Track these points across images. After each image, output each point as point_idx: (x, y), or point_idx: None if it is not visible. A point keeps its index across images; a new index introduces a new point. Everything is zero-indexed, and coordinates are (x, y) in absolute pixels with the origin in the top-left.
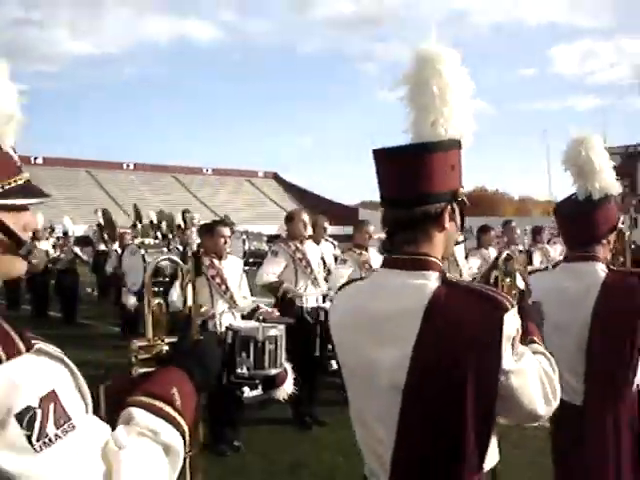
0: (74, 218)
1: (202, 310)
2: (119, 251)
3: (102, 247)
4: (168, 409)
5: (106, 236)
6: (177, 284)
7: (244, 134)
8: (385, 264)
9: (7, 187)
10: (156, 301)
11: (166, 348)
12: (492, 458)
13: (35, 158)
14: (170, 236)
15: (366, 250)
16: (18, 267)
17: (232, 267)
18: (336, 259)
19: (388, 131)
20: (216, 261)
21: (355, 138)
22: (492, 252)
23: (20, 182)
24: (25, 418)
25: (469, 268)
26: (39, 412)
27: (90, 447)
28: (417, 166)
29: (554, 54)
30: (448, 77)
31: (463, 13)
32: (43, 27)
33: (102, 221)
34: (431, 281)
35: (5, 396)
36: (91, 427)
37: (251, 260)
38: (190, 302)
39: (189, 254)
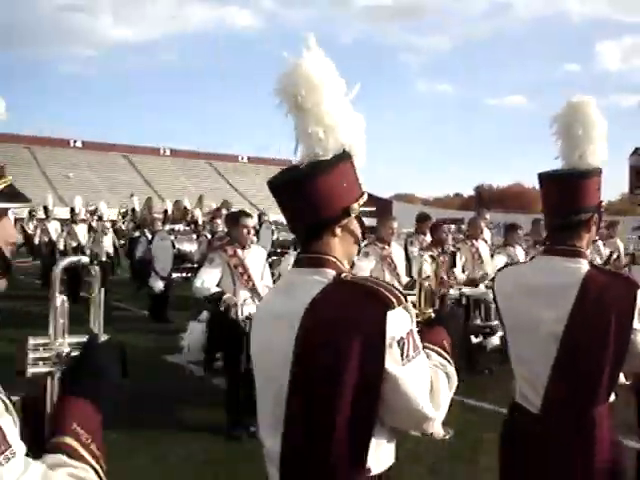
0: (110, 202)
1: (225, 297)
2: (149, 236)
3: (136, 233)
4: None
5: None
6: (202, 270)
7: (281, 124)
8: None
9: None
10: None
11: (67, 350)
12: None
13: (75, 141)
14: (200, 223)
15: (389, 245)
16: None
17: (255, 257)
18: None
19: (427, 122)
20: (239, 251)
21: (392, 130)
22: (519, 250)
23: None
24: None
25: (495, 266)
26: None
27: None
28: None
29: (599, 50)
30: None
31: (506, 5)
32: (87, 13)
33: (137, 206)
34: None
35: None
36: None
37: (278, 250)
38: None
39: (213, 242)
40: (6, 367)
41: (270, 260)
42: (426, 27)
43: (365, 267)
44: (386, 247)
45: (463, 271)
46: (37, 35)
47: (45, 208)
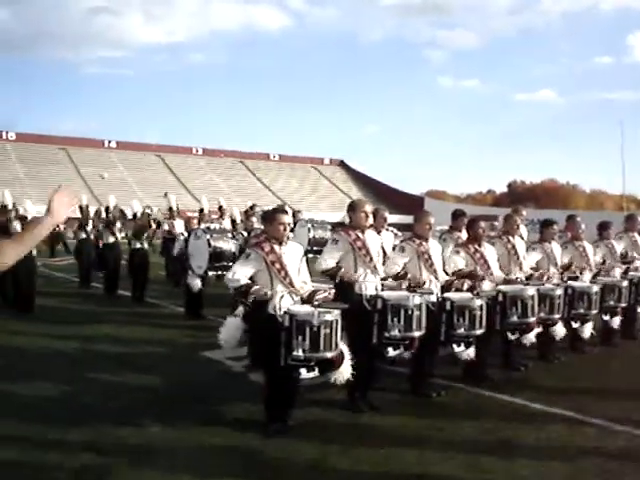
0: (144, 201)
1: (253, 289)
2: (186, 235)
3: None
4: None
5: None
6: (235, 264)
7: (310, 121)
8: None
9: None
10: None
11: None
12: None
13: (109, 142)
14: (238, 221)
15: (426, 241)
16: None
17: (292, 253)
18: (394, 248)
19: (456, 119)
20: (276, 247)
21: (420, 126)
22: (555, 246)
23: None
24: None
25: (530, 262)
26: None
27: None
28: None
29: (631, 42)
30: None
31: (533, 0)
32: (117, 15)
33: (173, 205)
34: None
35: None
36: None
37: (315, 248)
38: None
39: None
40: None
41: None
42: (453, 23)
43: (400, 263)
44: (423, 243)
45: (501, 268)
46: (67, 37)
47: (80, 208)
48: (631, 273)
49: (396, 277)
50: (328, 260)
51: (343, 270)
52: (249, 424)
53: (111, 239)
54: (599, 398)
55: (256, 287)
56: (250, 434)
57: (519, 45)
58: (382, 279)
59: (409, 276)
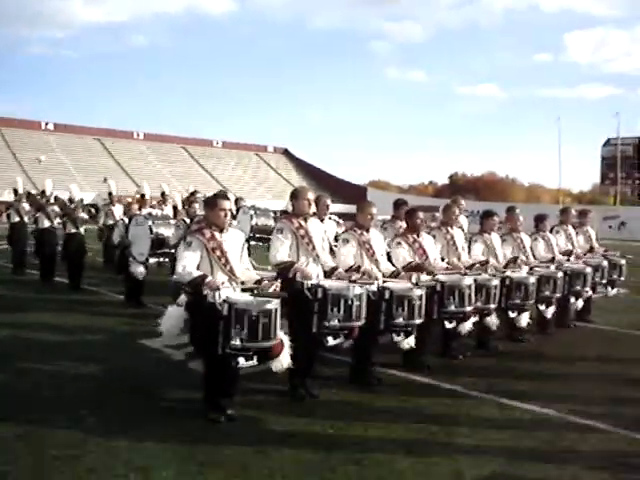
0: (82, 185)
1: (207, 281)
2: (126, 221)
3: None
4: None
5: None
6: (181, 254)
7: (254, 108)
8: None
9: None
10: None
11: None
12: None
13: (46, 124)
14: (179, 208)
15: (367, 231)
16: None
17: (233, 240)
18: (336, 238)
19: (400, 109)
20: (217, 234)
21: (366, 117)
22: (495, 237)
23: None
24: None
25: (474, 254)
26: None
27: None
28: None
29: (569, 41)
30: None
31: None
32: None
33: (113, 189)
34: None
35: None
36: None
37: (257, 235)
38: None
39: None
40: None
41: (249, 245)
42: (399, 14)
43: (347, 253)
44: (364, 233)
45: (442, 260)
46: (5, 15)
47: (15, 191)
48: (566, 265)
49: (349, 269)
50: (280, 252)
51: (297, 266)
52: (189, 412)
53: (46, 223)
54: (534, 385)
55: (209, 279)
56: (189, 423)
57: (463, 39)
58: (332, 271)
59: (363, 269)
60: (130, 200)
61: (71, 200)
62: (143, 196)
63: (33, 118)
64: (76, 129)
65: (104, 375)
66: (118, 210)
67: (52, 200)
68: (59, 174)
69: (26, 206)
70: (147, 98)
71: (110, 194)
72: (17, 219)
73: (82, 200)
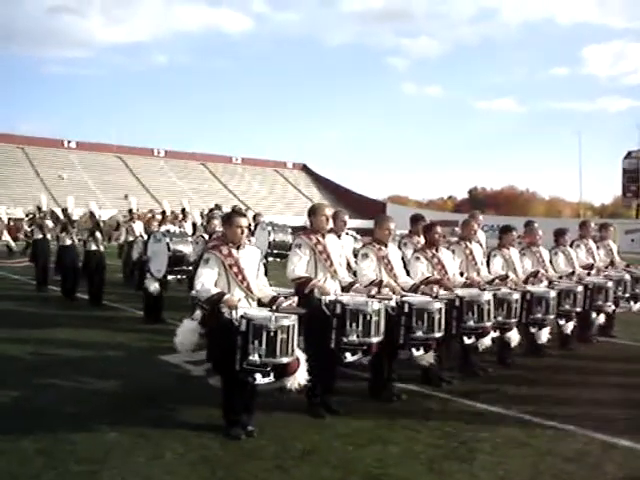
0: (103, 202)
1: (225, 298)
2: (145, 237)
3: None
4: None
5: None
6: (199, 272)
7: (273, 125)
8: None
9: None
10: None
11: None
12: None
13: (68, 142)
14: (198, 224)
15: (386, 246)
16: None
17: (250, 256)
18: (355, 254)
19: (418, 125)
20: (234, 250)
21: (383, 132)
22: (514, 252)
23: None
24: None
25: (494, 269)
26: None
27: None
28: None
29: (586, 54)
30: None
31: (493, 10)
32: (78, 14)
33: (134, 207)
34: None
35: None
36: None
37: (275, 251)
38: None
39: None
40: None
41: (267, 261)
42: (415, 31)
43: (367, 268)
44: (383, 248)
45: (461, 274)
46: (28, 36)
47: (39, 208)
48: (587, 279)
49: (371, 283)
50: (298, 267)
51: (315, 281)
52: (208, 428)
53: (68, 241)
54: (555, 401)
55: (227, 296)
56: (209, 439)
57: (480, 54)
58: (350, 286)
59: (385, 282)
60: (150, 215)
61: (39, 208)
62: (164, 213)
63: (55, 137)
64: (97, 147)
65: (124, 390)
66: (138, 227)
67: (48, 216)
68: (80, 191)
69: (50, 223)
70: (167, 116)
71: (130, 211)
72: (40, 236)
73: (52, 210)
